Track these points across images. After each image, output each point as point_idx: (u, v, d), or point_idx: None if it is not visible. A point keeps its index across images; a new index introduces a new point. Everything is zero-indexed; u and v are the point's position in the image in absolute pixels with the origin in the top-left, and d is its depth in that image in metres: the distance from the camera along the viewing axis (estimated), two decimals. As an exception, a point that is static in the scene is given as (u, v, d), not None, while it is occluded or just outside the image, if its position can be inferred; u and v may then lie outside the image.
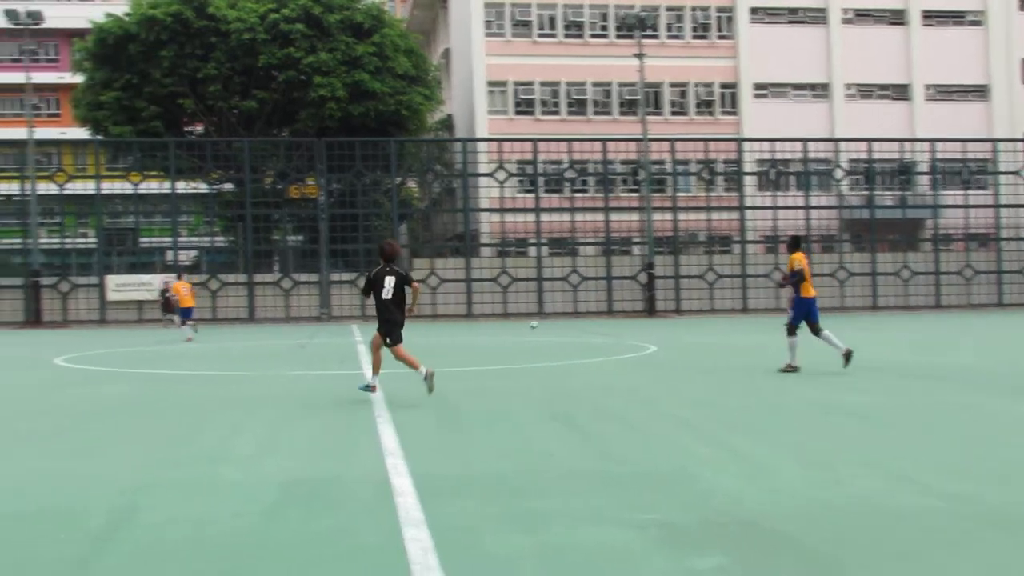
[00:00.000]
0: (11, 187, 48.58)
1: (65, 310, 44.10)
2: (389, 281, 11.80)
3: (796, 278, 15.15)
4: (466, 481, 7.08)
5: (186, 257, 50.50)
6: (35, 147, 44.78)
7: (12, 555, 5.35)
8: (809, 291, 15.18)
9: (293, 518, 6.03)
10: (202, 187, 49.06)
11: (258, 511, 6.22)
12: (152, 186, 47.32)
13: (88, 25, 49.19)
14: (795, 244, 15.63)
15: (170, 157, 45.11)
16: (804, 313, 15.15)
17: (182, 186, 47.29)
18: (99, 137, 47.63)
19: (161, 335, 29.79)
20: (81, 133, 51.22)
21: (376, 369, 12.17)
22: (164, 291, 32.58)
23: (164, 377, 16.63)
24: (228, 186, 48.47)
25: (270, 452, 8.62)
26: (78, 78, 49.49)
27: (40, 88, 60.60)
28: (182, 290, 29.75)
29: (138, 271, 45.25)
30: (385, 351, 12.16)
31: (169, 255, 47.49)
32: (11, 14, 43.53)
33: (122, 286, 43.59)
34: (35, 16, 43.55)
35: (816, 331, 15.16)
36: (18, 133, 49.01)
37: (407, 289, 11.92)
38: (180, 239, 47.78)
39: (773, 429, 9.62)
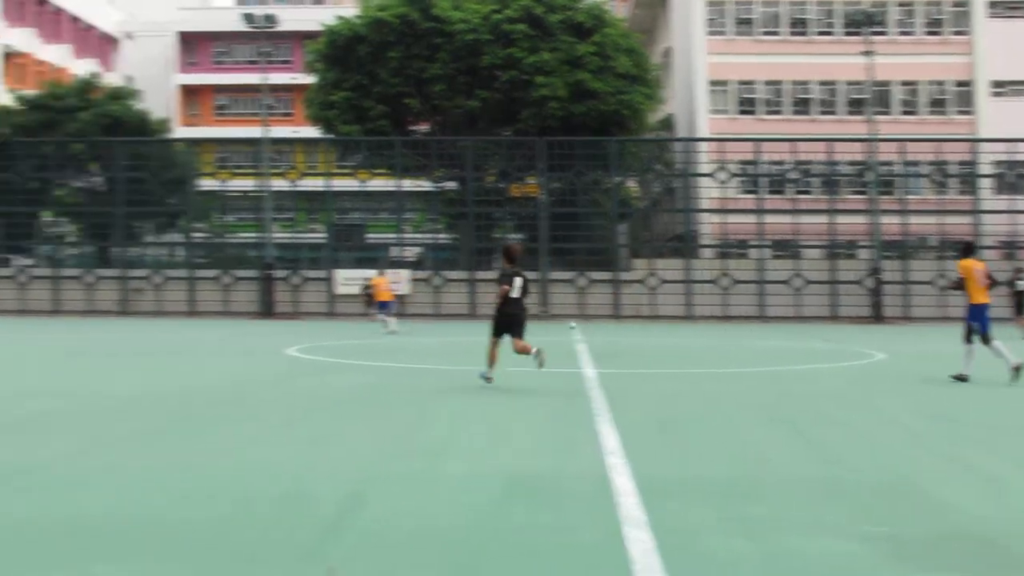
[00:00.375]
0: (247, 183, 50.97)
1: (296, 302, 45.95)
2: (517, 282, 13.17)
3: (954, 285, 15.23)
4: (686, 483, 7.04)
5: (410, 253, 51.80)
6: (270, 145, 46.84)
7: (247, 539, 5.60)
8: (977, 298, 14.85)
9: (515, 513, 6.12)
10: (426, 185, 50.17)
11: (481, 505, 6.33)
12: (379, 183, 48.87)
13: (320, 28, 50.96)
14: (965, 251, 15.38)
15: (396, 155, 46.46)
16: (981, 318, 14.82)
17: (407, 184, 48.57)
18: (330, 136, 49.40)
19: (379, 328, 30.74)
20: (312, 132, 53.13)
21: (492, 362, 13.46)
22: (366, 287, 34.00)
23: (390, 369, 17.09)
24: (451, 184, 49.44)
25: (492, 446, 8.78)
26: (310, 79, 51.32)
27: (275, 89, 63.12)
28: (381, 285, 31.17)
29: (364, 266, 46.54)
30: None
31: (394, 251, 48.91)
32: (249, 18, 45.60)
33: (349, 280, 45.03)
34: (271, 20, 45.45)
35: (970, 339, 14.99)
36: (254, 132, 51.14)
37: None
38: (404, 235, 49.13)
39: (1008, 444, 9.20)
